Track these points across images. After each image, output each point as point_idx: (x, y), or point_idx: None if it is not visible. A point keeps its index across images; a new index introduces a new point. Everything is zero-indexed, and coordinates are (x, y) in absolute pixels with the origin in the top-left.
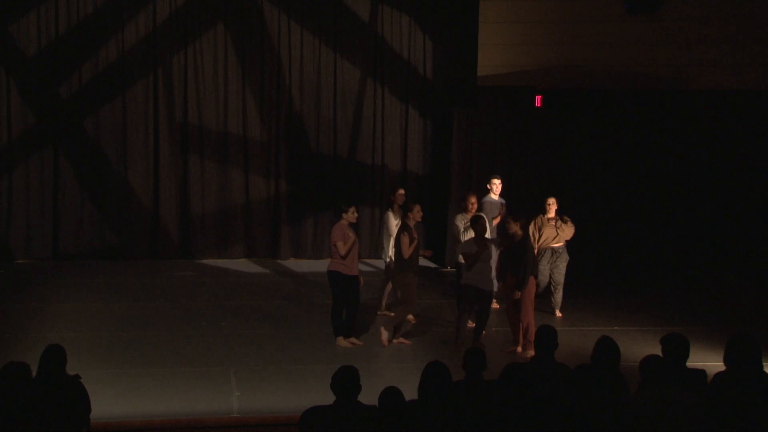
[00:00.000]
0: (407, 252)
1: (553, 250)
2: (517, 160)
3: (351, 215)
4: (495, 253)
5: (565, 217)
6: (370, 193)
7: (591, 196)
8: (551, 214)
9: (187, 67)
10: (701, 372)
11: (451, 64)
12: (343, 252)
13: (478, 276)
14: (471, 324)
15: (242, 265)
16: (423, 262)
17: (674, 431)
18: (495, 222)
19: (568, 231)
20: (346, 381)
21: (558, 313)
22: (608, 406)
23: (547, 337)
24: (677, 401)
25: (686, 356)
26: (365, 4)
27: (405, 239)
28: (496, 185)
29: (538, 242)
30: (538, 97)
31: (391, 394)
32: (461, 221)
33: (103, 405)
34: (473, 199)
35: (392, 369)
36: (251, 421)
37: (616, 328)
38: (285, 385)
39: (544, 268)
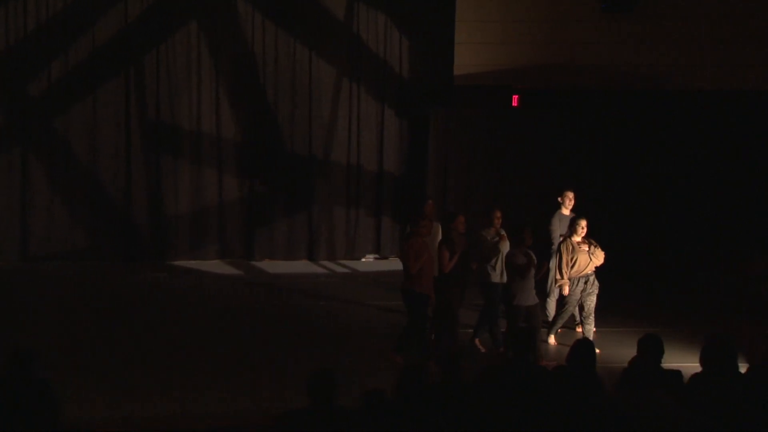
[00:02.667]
0: (447, 266)
1: (586, 278)
2: (494, 159)
3: (424, 229)
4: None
5: (593, 241)
6: (345, 193)
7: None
8: (580, 237)
9: (159, 65)
10: (677, 372)
11: (427, 63)
12: (414, 270)
13: (525, 293)
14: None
15: (216, 266)
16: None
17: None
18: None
19: (600, 256)
20: (320, 384)
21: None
22: (584, 407)
23: (523, 339)
24: (654, 402)
25: (661, 357)
26: (341, 2)
27: (445, 253)
28: (570, 198)
29: (570, 270)
30: (515, 97)
31: (373, 396)
32: (487, 237)
33: (74, 409)
34: (498, 213)
35: (374, 372)
36: (223, 424)
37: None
38: (259, 388)
39: (575, 298)
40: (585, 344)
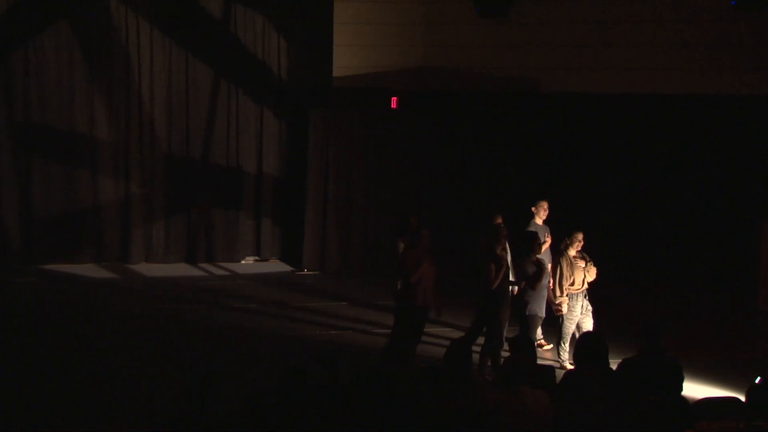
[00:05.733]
0: (494, 282)
1: (585, 294)
2: (374, 161)
3: (425, 240)
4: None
5: (587, 255)
6: (223, 194)
7: (446, 198)
8: (576, 251)
9: (28, 64)
10: (550, 368)
11: (306, 64)
12: (414, 279)
13: (538, 303)
14: (547, 345)
15: (90, 270)
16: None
17: (524, 429)
18: (543, 248)
19: (593, 272)
20: (196, 388)
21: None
22: (460, 406)
23: (401, 341)
24: (527, 399)
25: (536, 355)
26: (217, 2)
27: (491, 267)
28: (544, 209)
29: (570, 286)
30: (394, 99)
31: (254, 398)
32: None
33: None
34: (500, 219)
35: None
36: None
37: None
38: (135, 394)
39: (576, 314)
40: (460, 344)
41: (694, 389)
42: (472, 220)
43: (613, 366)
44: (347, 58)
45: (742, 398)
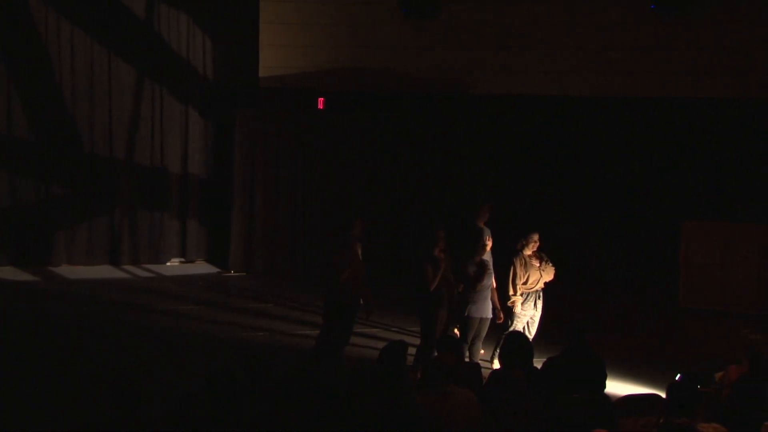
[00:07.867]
0: (432, 283)
1: (537, 294)
2: (301, 162)
3: (357, 228)
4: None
5: (544, 255)
6: (148, 195)
7: (375, 199)
8: (531, 251)
9: None
10: (476, 366)
11: (232, 64)
12: (343, 278)
13: (478, 305)
14: (482, 352)
15: (8, 272)
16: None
17: (451, 428)
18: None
19: (550, 272)
20: (124, 391)
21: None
22: (386, 405)
23: (329, 341)
24: (454, 398)
25: (463, 355)
26: (140, 1)
27: (428, 269)
28: (485, 211)
29: (524, 285)
30: (321, 99)
31: (186, 399)
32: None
33: None
34: (442, 233)
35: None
36: None
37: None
38: (60, 400)
39: (525, 315)
40: (395, 345)
41: (616, 386)
42: (403, 222)
43: (538, 365)
44: (273, 58)
45: (663, 395)
